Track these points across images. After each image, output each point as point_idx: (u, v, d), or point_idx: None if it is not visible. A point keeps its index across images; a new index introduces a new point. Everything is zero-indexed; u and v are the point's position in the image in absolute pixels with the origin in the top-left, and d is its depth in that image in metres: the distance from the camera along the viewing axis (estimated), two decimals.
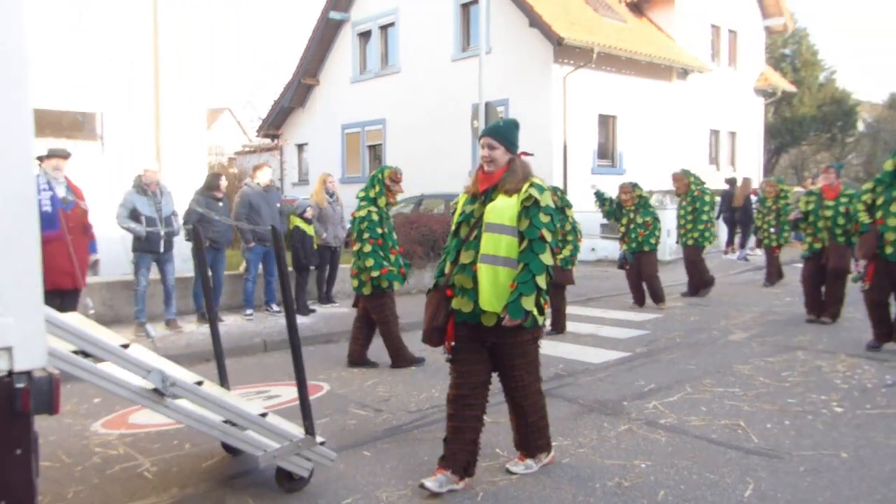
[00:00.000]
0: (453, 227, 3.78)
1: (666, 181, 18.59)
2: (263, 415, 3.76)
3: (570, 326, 8.30)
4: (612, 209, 9.51)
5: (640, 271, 9.38)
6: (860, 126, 28.93)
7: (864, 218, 6.46)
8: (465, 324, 3.69)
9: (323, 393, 5.78)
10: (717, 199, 16.39)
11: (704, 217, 10.12)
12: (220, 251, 8.62)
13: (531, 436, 3.92)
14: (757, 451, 4.23)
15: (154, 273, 8.08)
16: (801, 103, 25.86)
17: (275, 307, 9.04)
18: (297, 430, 3.78)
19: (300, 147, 23.90)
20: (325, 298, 9.69)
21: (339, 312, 9.22)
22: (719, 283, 11.75)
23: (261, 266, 8.93)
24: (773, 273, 11.65)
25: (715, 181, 19.59)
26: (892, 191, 6.31)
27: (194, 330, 8.11)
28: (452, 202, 3.95)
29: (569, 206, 7.62)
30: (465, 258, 3.63)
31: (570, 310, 9.36)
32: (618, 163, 18.08)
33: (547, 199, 3.64)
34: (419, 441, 4.55)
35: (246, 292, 8.87)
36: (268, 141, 25.26)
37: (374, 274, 6.27)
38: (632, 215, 9.25)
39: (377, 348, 6.73)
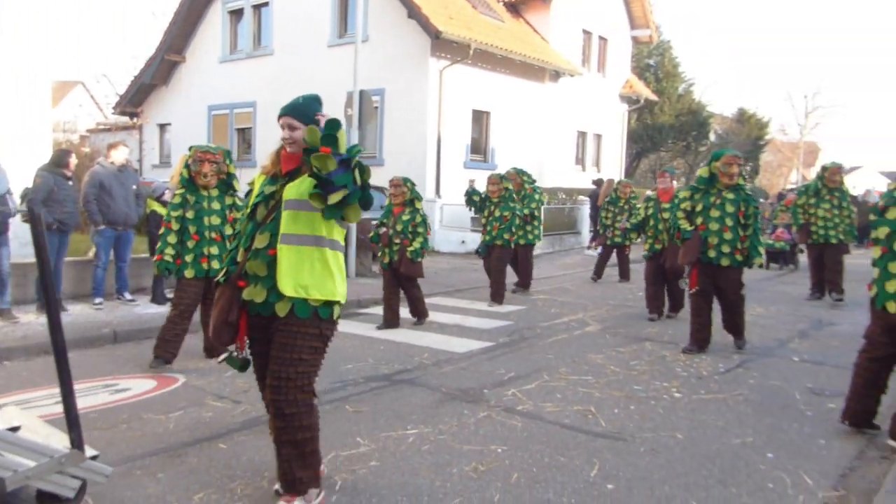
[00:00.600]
0: (248, 210, 3.42)
1: (537, 178, 19.38)
2: (14, 429, 3.28)
3: (437, 317, 8.47)
4: (479, 204, 9.71)
5: (491, 263, 9.59)
6: (712, 136, 31.42)
7: (685, 225, 6.65)
8: (259, 317, 3.31)
9: (178, 385, 5.56)
10: (584, 198, 17.27)
11: (536, 215, 10.50)
12: (66, 234, 8.06)
13: (295, 463, 3.31)
14: (604, 434, 4.53)
15: None
16: (661, 112, 27.70)
17: (127, 295, 8.57)
18: (60, 444, 3.29)
19: (162, 127, 22.71)
20: None
21: None
22: (581, 277, 12.41)
23: (112, 252, 8.43)
24: (625, 269, 12.29)
25: (580, 181, 20.63)
26: (709, 197, 6.58)
27: (33, 321, 7.53)
28: (248, 182, 3.58)
29: (419, 198, 7.78)
30: (259, 242, 3.27)
31: (437, 300, 9.57)
32: (490, 158, 18.58)
33: None
34: None
35: (95, 279, 8.35)
36: (126, 119, 23.78)
37: (155, 259, 6.14)
38: (492, 208, 9.41)
39: None
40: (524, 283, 10.82)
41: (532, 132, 19.46)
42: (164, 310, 8.19)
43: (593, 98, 22.20)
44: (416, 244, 7.62)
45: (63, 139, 17.28)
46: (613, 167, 23.71)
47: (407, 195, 7.71)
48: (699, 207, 6.61)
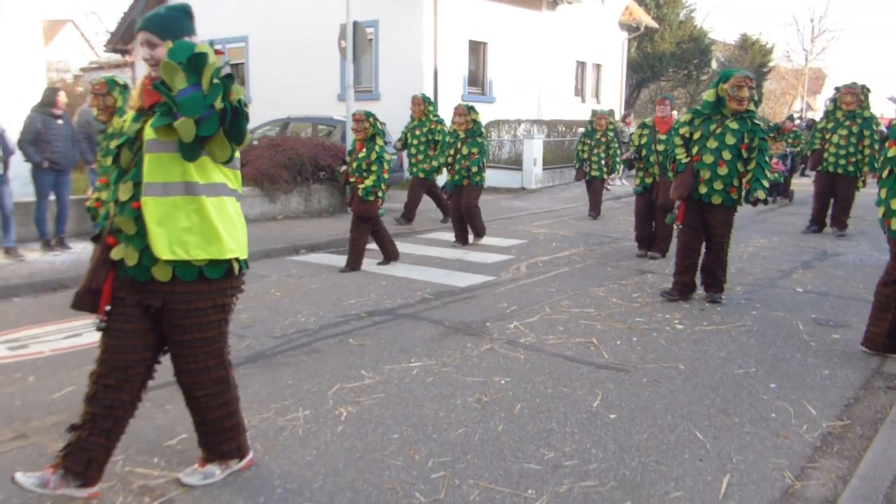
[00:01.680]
0: (112, 155, 2.84)
1: (533, 110, 19.08)
2: None
3: (438, 252, 8.45)
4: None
5: (459, 204, 8.78)
6: (714, 65, 30.76)
7: (680, 155, 5.92)
8: (132, 282, 2.75)
9: None
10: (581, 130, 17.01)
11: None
12: (63, 173, 7.95)
13: (212, 438, 3.04)
14: (606, 365, 4.55)
15: None
16: (661, 40, 27.00)
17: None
18: None
19: None
20: None
21: None
22: (582, 211, 12.32)
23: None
24: (597, 203, 11.60)
25: (580, 112, 20.30)
26: (710, 124, 5.81)
27: (38, 258, 7.51)
28: (124, 120, 2.89)
29: (381, 134, 7.30)
30: (123, 193, 2.69)
31: (438, 235, 9.51)
32: (487, 90, 18.21)
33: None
34: (283, 365, 4.52)
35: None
36: (118, 57, 23.15)
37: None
38: (459, 144, 8.57)
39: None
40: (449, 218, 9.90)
41: (530, 63, 19.02)
42: None
43: (592, 26, 21.60)
44: (368, 182, 7.14)
45: (57, 79, 16.91)
46: (613, 98, 23.30)
47: (369, 130, 7.19)
48: (697, 135, 5.84)
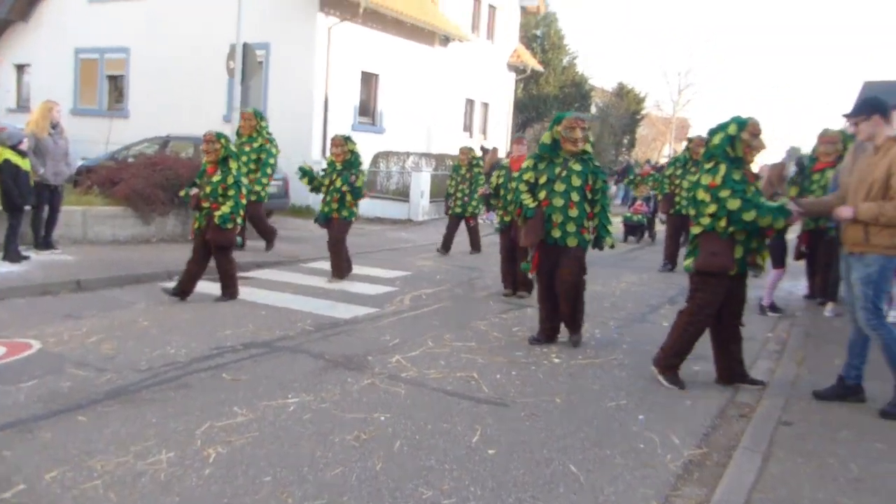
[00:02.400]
0: None
1: (422, 143, 19.27)
2: None
3: (321, 282, 8.24)
4: (317, 184, 8.37)
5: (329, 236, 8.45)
6: (593, 109, 32.38)
7: (527, 201, 5.71)
8: None
9: (32, 352, 5.07)
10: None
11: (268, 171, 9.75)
12: None
13: None
14: (486, 399, 4.55)
15: None
16: (546, 83, 28.20)
17: None
18: None
19: (20, 68, 20.65)
20: (44, 244, 8.52)
21: (59, 260, 8.16)
22: (465, 244, 12.46)
23: None
24: (449, 240, 11.13)
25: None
26: (554, 168, 5.68)
27: None
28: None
29: (233, 157, 6.96)
30: None
31: (319, 265, 9.29)
32: (378, 121, 18.23)
33: None
34: (147, 402, 4.19)
35: None
36: None
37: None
38: (334, 176, 8.18)
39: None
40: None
41: (421, 97, 19.25)
42: (19, 268, 7.51)
43: (482, 65, 22.21)
44: (226, 208, 6.72)
45: None
46: (500, 135, 23.96)
47: (220, 152, 6.81)
48: (543, 179, 5.70)
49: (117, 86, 18.88)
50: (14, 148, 7.85)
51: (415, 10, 18.17)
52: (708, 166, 4.75)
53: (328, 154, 8.68)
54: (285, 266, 9.07)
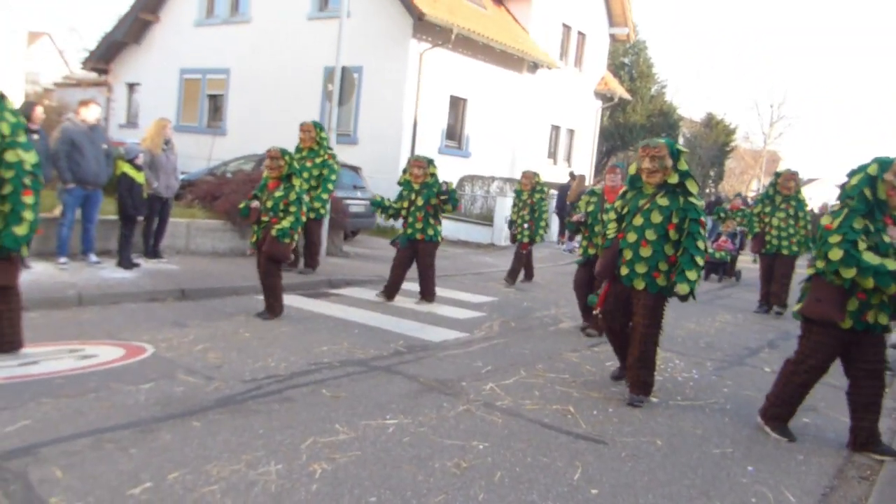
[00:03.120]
0: None
1: (506, 168, 19.32)
2: None
3: (411, 303, 8.33)
4: (393, 211, 8.33)
5: (416, 259, 8.35)
6: (681, 139, 31.76)
7: (610, 230, 5.36)
8: None
9: (147, 355, 5.32)
10: (553, 192, 17.24)
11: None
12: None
13: None
14: (585, 436, 4.47)
15: None
16: (633, 111, 27.85)
17: (93, 257, 8.21)
18: None
19: (131, 86, 21.96)
20: (153, 253, 8.97)
21: (166, 269, 8.57)
22: (552, 272, 12.38)
23: (79, 211, 8.07)
24: (516, 270, 10.76)
25: (552, 175, 20.65)
26: (639, 199, 5.15)
27: None
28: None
29: (297, 174, 7.07)
30: None
31: (407, 286, 9.38)
32: (464, 146, 18.43)
33: None
34: (254, 413, 4.32)
35: (60, 238, 7.96)
36: (94, 75, 22.89)
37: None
38: (413, 196, 8.15)
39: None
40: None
41: (507, 122, 19.36)
42: (131, 275, 7.91)
43: (569, 92, 22.18)
44: (286, 223, 6.78)
45: (31, 90, 16.58)
46: (584, 163, 23.79)
47: (284, 169, 6.90)
48: (625, 210, 5.24)
49: (217, 104, 19.81)
50: (131, 162, 8.33)
51: (505, 36, 18.35)
52: (836, 208, 4.49)
53: (405, 174, 8.37)
54: (374, 285, 9.22)
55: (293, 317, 7.13)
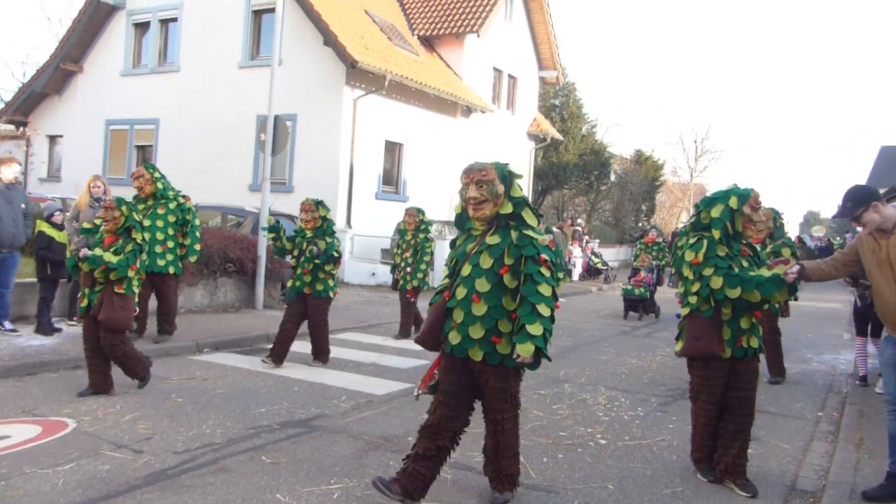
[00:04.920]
0: None
1: (445, 212, 19.40)
2: None
3: (352, 354, 8.13)
4: (283, 247, 7.53)
5: (305, 314, 7.49)
6: (612, 176, 32.64)
7: (444, 283, 4.05)
8: None
9: (67, 432, 4.96)
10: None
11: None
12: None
13: None
14: (536, 486, 4.36)
15: None
16: (566, 150, 28.52)
17: (7, 325, 7.73)
18: None
19: (52, 139, 21.24)
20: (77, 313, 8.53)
21: None
22: None
23: None
24: (407, 322, 9.57)
25: None
26: (467, 244, 3.96)
27: None
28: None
29: (137, 227, 6.08)
30: None
31: (350, 336, 9.21)
32: (401, 190, 18.43)
33: None
34: (187, 488, 4.05)
35: None
36: (11, 127, 22.05)
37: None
38: (304, 245, 7.36)
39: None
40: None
41: (443, 165, 19.49)
42: (51, 341, 7.47)
43: (503, 135, 22.56)
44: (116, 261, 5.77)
45: None
46: None
47: (121, 221, 5.97)
48: (453, 261, 3.99)
49: (145, 156, 19.30)
50: (48, 220, 7.95)
51: (438, 81, 18.60)
52: (692, 241, 4.45)
53: (300, 222, 7.59)
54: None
55: (229, 376, 6.84)
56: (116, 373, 6.15)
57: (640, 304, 12.93)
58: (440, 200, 19.52)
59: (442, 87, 18.32)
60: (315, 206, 7.39)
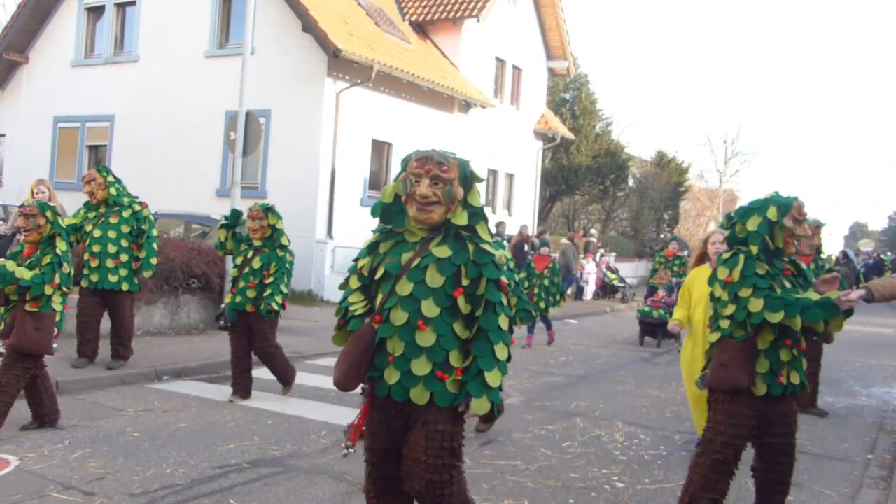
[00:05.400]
0: None
1: None
2: None
3: (328, 382, 8.13)
4: (231, 247, 7.44)
5: (250, 337, 7.28)
6: (631, 181, 32.84)
7: (355, 305, 3.47)
8: None
9: (8, 470, 4.97)
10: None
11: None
12: None
13: None
14: None
15: None
16: (577, 151, 28.69)
17: None
18: None
19: None
20: None
21: None
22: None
23: None
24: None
25: (490, 223, 20.88)
26: (402, 249, 3.44)
27: None
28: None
29: (63, 234, 5.84)
30: None
31: (330, 361, 9.19)
32: None
33: None
34: None
35: None
36: None
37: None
38: (249, 254, 7.19)
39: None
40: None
41: None
42: None
43: (506, 133, 22.68)
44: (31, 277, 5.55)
45: None
46: (526, 210, 24.22)
47: (46, 230, 5.73)
48: (380, 272, 3.41)
49: (99, 156, 19.36)
50: None
51: (432, 73, 18.73)
52: (726, 256, 4.28)
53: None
54: (296, 362, 8.97)
55: (192, 408, 6.86)
56: (60, 403, 6.15)
57: (658, 329, 12.54)
58: None
59: (437, 79, 18.45)
60: (264, 213, 7.18)
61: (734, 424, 4.14)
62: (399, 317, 3.28)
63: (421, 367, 3.25)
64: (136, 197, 8.41)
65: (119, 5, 19.16)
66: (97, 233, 7.88)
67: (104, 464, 5.19)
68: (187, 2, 17.83)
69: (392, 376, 3.28)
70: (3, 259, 5.90)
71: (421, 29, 21.11)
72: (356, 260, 3.52)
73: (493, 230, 11.33)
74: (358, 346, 3.32)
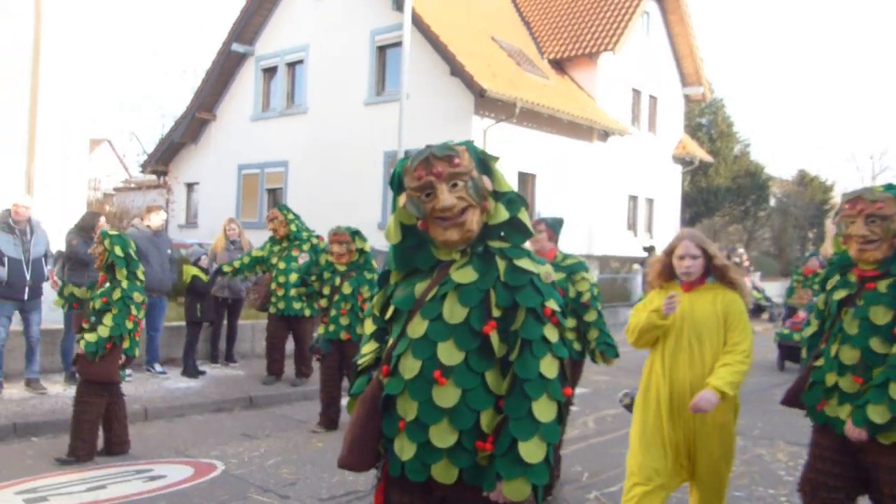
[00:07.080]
0: None
1: (584, 244, 19.18)
2: None
3: None
4: (313, 288, 6.88)
5: (341, 365, 6.69)
6: (772, 201, 31.07)
7: (366, 356, 2.58)
8: None
9: (217, 474, 5.31)
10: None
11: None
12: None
13: None
14: None
15: (16, 324, 7.38)
16: (716, 174, 27.52)
17: (157, 367, 8.42)
18: None
19: (189, 186, 23.12)
20: (227, 357, 9.26)
21: (232, 374, 8.69)
22: (642, 357, 11.97)
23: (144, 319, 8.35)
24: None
25: (633, 248, 20.38)
26: (414, 283, 2.45)
27: (61, 392, 7.39)
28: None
29: (120, 263, 5.61)
30: None
31: None
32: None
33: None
34: None
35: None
36: (152, 178, 24.29)
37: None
38: (337, 281, 6.66)
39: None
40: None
41: (580, 195, 19.35)
42: (197, 384, 8.05)
43: (645, 159, 22.10)
44: (95, 335, 5.42)
45: (92, 198, 17.69)
46: (667, 233, 23.38)
47: (105, 258, 5.60)
48: (390, 311, 2.51)
49: (276, 198, 20.57)
50: (195, 264, 8.64)
51: (571, 105, 18.59)
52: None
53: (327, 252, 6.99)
54: None
55: None
56: (254, 416, 6.49)
57: (799, 353, 11.07)
58: (579, 232, 19.36)
59: (575, 112, 18.29)
60: (351, 237, 6.70)
61: (823, 460, 3.48)
62: (410, 367, 2.30)
63: (442, 436, 2.25)
64: (314, 231, 8.83)
65: (290, 65, 20.37)
66: (282, 265, 8.33)
67: (295, 470, 5.43)
68: (348, 57, 18.69)
69: (405, 450, 2.29)
70: (72, 285, 6.44)
71: (559, 65, 21.04)
72: (373, 300, 2.59)
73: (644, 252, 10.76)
74: (363, 415, 2.37)
